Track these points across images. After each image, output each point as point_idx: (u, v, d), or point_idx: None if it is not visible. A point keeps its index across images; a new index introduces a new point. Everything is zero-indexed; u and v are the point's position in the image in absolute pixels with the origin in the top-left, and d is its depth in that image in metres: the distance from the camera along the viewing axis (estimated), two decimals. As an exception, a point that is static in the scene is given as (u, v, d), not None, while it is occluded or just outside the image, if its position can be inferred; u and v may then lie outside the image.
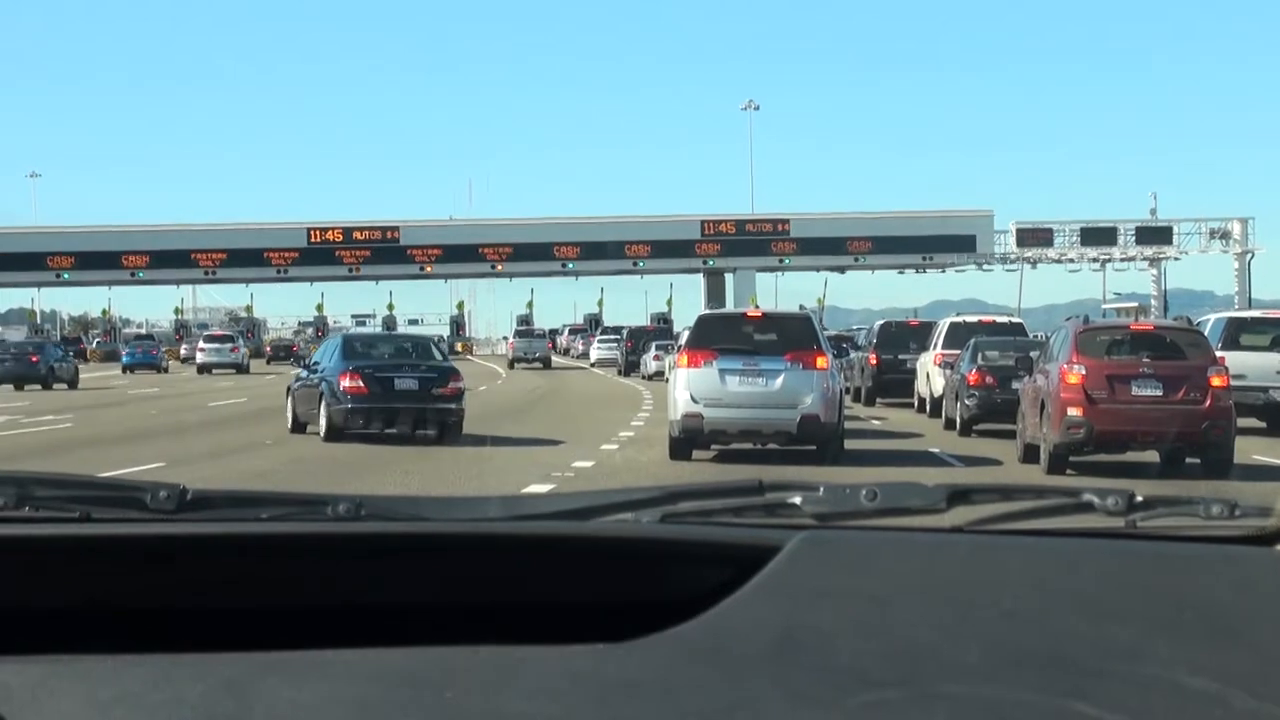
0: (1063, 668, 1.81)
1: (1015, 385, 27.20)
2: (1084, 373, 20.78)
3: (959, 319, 37.19)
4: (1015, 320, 37.76)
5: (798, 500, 2.29)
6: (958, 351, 32.32)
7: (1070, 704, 1.73)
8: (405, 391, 25.67)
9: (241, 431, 28.93)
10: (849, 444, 22.61)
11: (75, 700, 1.79)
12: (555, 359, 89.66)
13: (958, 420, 29.22)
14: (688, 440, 21.62)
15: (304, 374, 27.87)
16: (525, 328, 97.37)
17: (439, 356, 28.99)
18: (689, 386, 21.39)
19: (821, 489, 2.30)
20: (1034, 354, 25.90)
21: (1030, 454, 22.37)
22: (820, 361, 21.55)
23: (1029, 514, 2.32)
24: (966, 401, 28.59)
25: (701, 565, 2.12)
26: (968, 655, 1.84)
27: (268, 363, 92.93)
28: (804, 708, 1.73)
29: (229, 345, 79.88)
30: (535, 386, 55.77)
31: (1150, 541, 2.28)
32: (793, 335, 22.11)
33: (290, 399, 28.12)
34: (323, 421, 25.55)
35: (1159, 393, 20.60)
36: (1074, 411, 20.56)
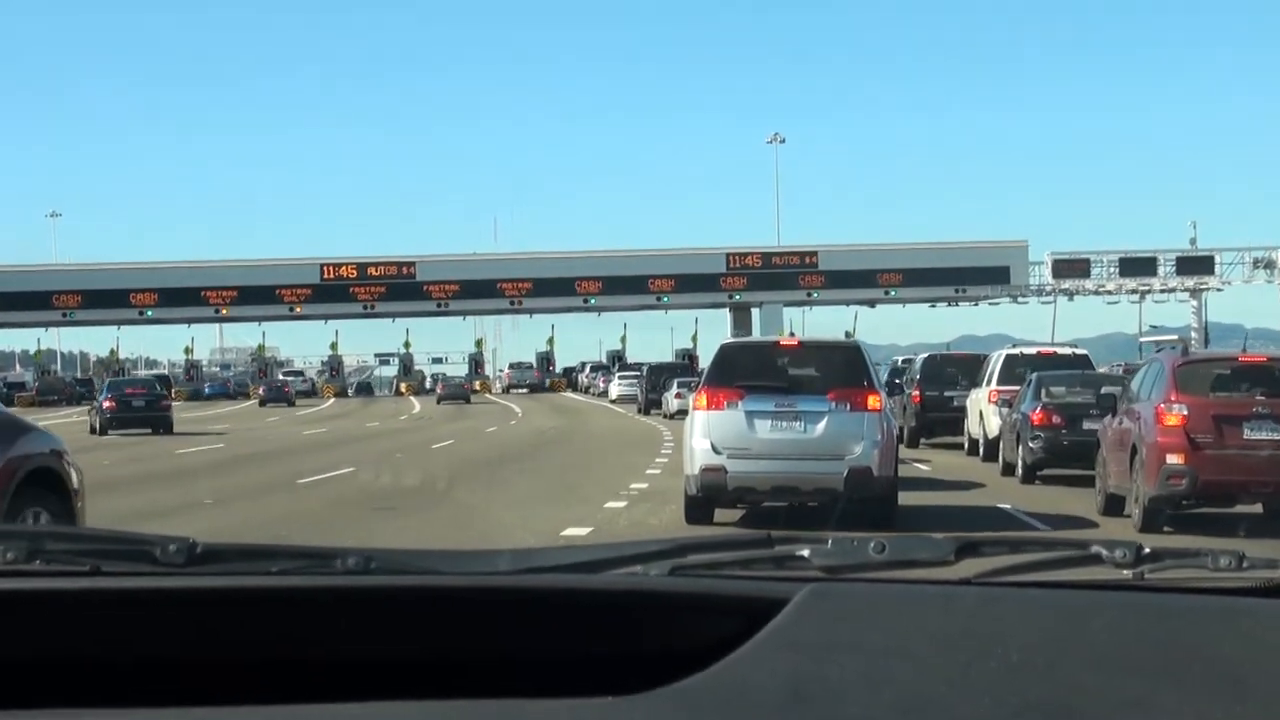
0: None
1: (1087, 425, 24.05)
2: (1185, 413, 17.34)
3: (1015, 350, 33.48)
4: (1080, 352, 33.80)
5: (806, 553, 2.30)
6: (1015, 388, 29.02)
7: None
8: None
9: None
10: (900, 497, 18.75)
11: None
12: (577, 397, 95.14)
13: (1019, 465, 25.73)
14: (708, 499, 17.74)
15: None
16: (518, 361, 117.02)
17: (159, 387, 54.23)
18: (709, 433, 17.48)
19: (830, 541, 2.32)
20: (1108, 390, 22.46)
21: (1113, 505, 19.21)
22: (872, 401, 17.53)
23: (1037, 566, 2.34)
24: (1030, 444, 25.04)
25: (710, 618, 2.11)
26: (976, 708, 1.83)
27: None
28: None
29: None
30: (550, 427, 52.76)
31: (1158, 594, 2.28)
32: (837, 369, 18.06)
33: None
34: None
35: (1277, 436, 17.13)
36: (1174, 459, 17.16)
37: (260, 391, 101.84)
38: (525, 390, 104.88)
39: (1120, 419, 19.23)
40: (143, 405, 51.66)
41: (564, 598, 2.20)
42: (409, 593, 2.22)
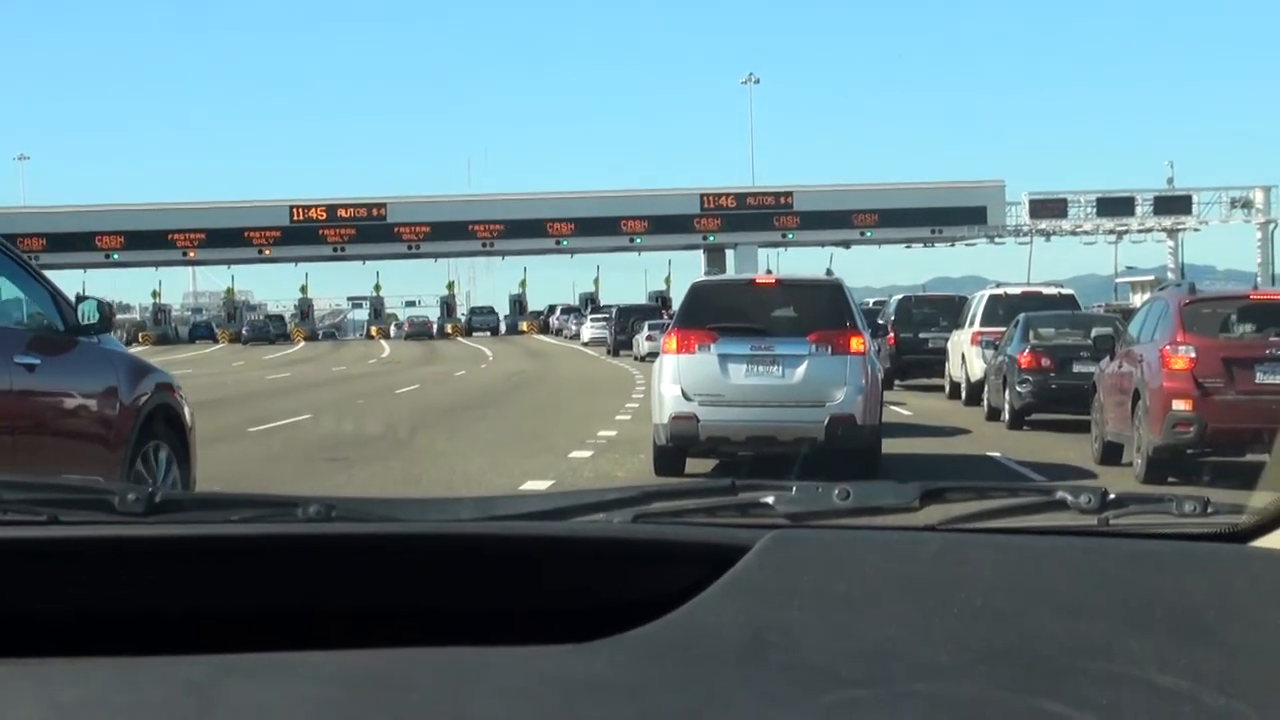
0: (1034, 666, 1.80)
1: (1077, 368, 23.00)
2: (1193, 355, 16.15)
3: (999, 291, 32.28)
4: (1066, 292, 32.60)
5: (770, 499, 2.31)
6: (998, 329, 27.95)
7: (1041, 702, 1.72)
8: None
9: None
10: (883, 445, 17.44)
11: (36, 703, 1.74)
12: (548, 339, 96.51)
13: (1005, 410, 24.60)
14: (678, 449, 16.41)
15: None
16: (479, 305, 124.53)
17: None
18: (679, 379, 16.11)
19: (794, 488, 2.32)
20: (1101, 331, 21.35)
21: (1111, 454, 18.12)
22: (855, 344, 16.11)
23: (1002, 512, 2.35)
24: (1018, 388, 23.88)
25: (673, 565, 2.11)
26: (939, 654, 1.83)
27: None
28: (773, 708, 1.72)
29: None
30: (518, 371, 51.72)
31: (1123, 539, 2.30)
32: (818, 309, 16.60)
33: None
34: None
35: (1292, 380, 15.98)
36: (1181, 405, 15.99)
37: (244, 331, 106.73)
38: (487, 333, 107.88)
39: (1119, 362, 18.07)
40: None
41: (526, 545, 2.20)
42: (370, 541, 2.21)
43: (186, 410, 10.69)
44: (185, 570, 2.16)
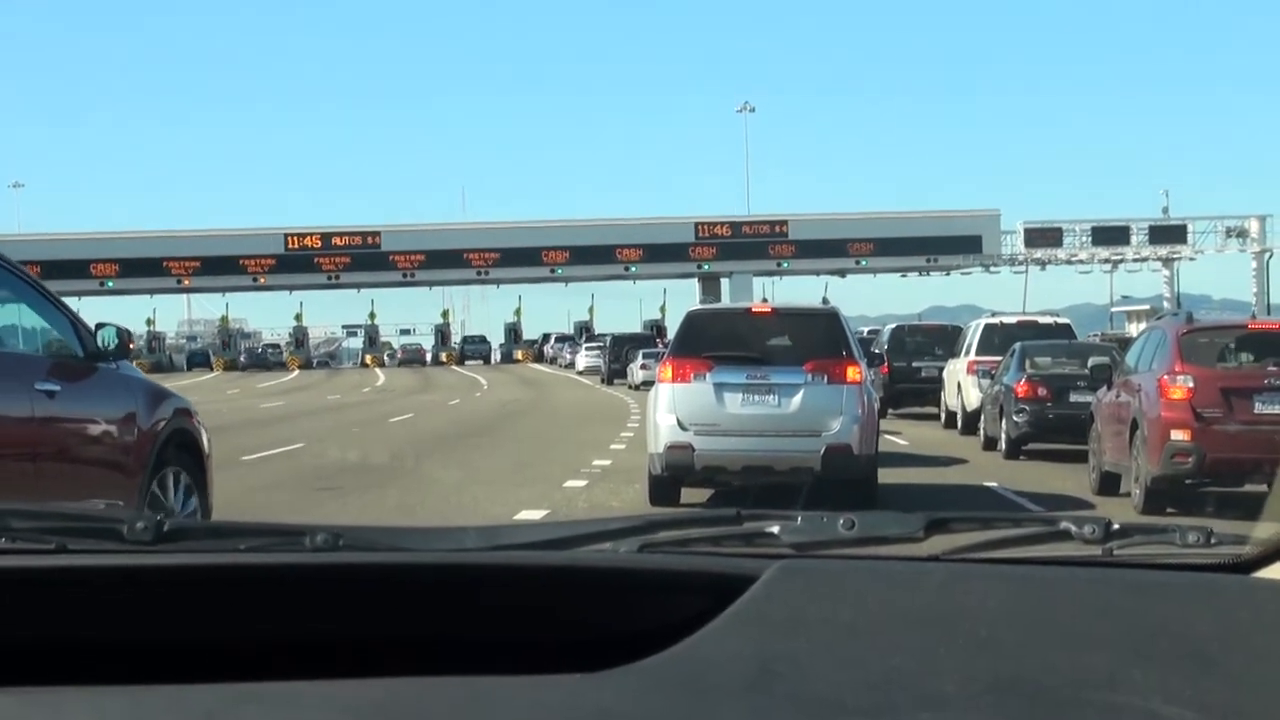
0: (1039, 696, 1.80)
1: (1074, 398, 22.93)
2: (1192, 385, 16.07)
3: (994, 320, 32.22)
4: (1062, 321, 32.57)
5: (775, 529, 2.30)
6: (994, 358, 27.89)
7: None
8: None
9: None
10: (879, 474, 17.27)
11: None
12: (543, 368, 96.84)
13: (1002, 439, 24.49)
14: (674, 479, 16.27)
15: None
16: (472, 335, 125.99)
17: None
18: (675, 408, 16.00)
19: (799, 518, 2.32)
20: (1097, 360, 21.26)
21: (1109, 484, 18.04)
22: (852, 373, 16.00)
23: (1006, 542, 2.34)
24: (1015, 418, 23.77)
25: (679, 595, 2.11)
26: (945, 684, 1.83)
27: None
28: None
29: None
30: (513, 400, 51.56)
31: (1127, 570, 2.29)
32: (814, 338, 16.50)
33: None
34: None
35: (1292, 410, 15.88)
36: (1180, 435, 15.91)
37: (242, 358, 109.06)
38: (480, 361, 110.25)
39: (1117, 392, 17.98)
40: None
41: (532, 575, 2.19)
42: (377, 570, 2.21)
43: (204, 436, 10.77)
44: (194, 599, 2.17)
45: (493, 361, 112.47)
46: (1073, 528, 2.32)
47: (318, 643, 2.12)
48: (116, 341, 9.98)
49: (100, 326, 10.10)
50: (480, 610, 2.17)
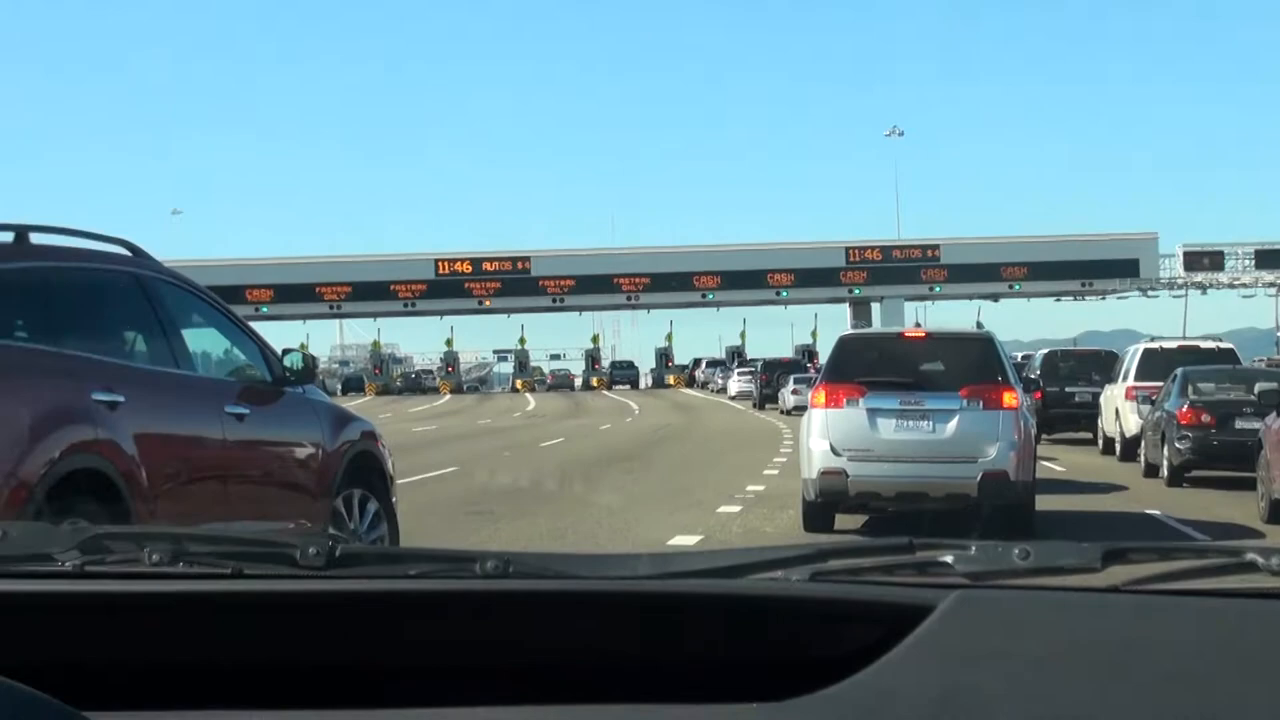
0: None
1: (1240, 424, 22.35)
2: None
3: (1154, 345, 31.61)
4: (1225, 346, 31.83)
5: (949, 559, 2.25)
6: (1154, 383, 27.32)
7: None
8: None
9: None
10: (1036, 501, 16.90)
11: None
12: (693, 392, 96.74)
13: (1164, 466, 23.93)
14: (827, 504, 16.13)
15: None
16: (620, 360, 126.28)
17: None
18: (828, 433, 15.84)
19: (973, 547, 2.27)
20: (1266, 386, 20.74)
21: (1277, 512, 17.39)
22: (1008, 398, 15.76)
23: (1189, 574, 2.25)
24: (1178, 445, 23.24)
25: (852, 624, 2.10)
26: (1132, 719, 1.79)
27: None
28: None
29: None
30: (665, 424, 51.45)
31: None
32: (968, 363, 16.29)
33: None
34: None
35: None
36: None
37: (399, 383, 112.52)
38: (628, 386, 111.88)
39: (1285, 418, 17.49)
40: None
41: (705, 603, 2.17)
42: (548, 597, 2.19)
43: (388, 459, 11.00)
44: (364, 624, 2.19)
45: (642, 386, 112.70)
46: (1259, 559, 2.22)
47: (489, 670, 2.12)
48: (303, 366, 10.23)
49: (287, 352, 10.35)
50: (652, 638, 2.15)
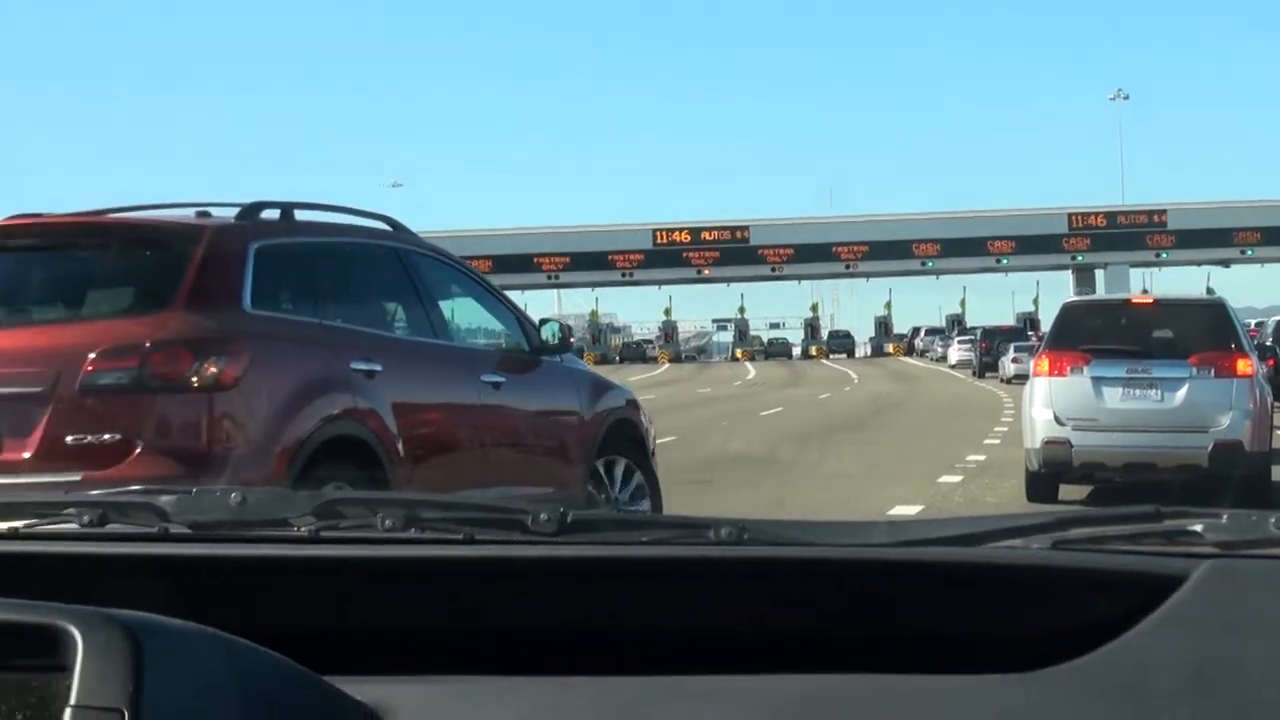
0: None
1: None
2: None
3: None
4: None
5: (1199, 528, 2.14)
6: None
7: None
8: None
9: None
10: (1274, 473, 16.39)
11: None
12: (913, 361, 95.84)
13: None
14: (1051, 475, 15.82)
15: None
16: (836, 330, 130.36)
17: None
18: (1051, 402, 15.51)
19: (1225, 516, 2.15)
20: None
21: None
22: (1242, 366, 15.31)
23: None
24: None
25: (1098, 595, 2.04)
26: None
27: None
28: None
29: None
30: (884, 393, 51.18)
31: None
32: (1198, 330, 15.86)
33: None
34: None
35: None
36: None
37: (619, 353, 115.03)
38: (844, 355, 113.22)
39: None
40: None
41: (943, 571, 2.12)
42: (783, 564, 2.16)
43: (648, 427, 11.18)
44: (595, 591, 2.19)
45: (860, 355, 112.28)
46: None
47: (723, 637, 2.11)
48: (560, 336, 10.48)
49: (544, 322, 10.66)
50: (889, 607, 2.12)
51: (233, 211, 8.83)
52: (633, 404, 11.05)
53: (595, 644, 2.10)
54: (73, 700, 1.53)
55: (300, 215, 9.21)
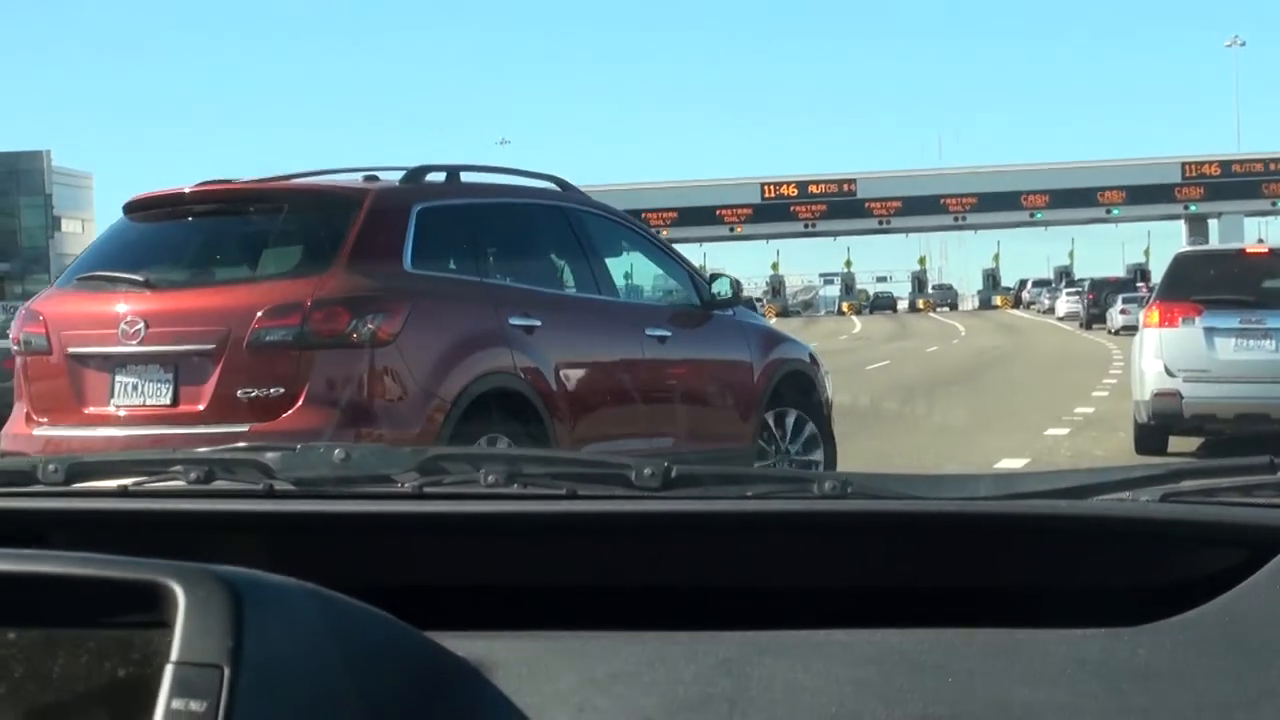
0: None
1: None
2: None
3: None
4: None
5: None
6: None
7: None
8: None
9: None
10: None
11: (571, 677, 1.79)
12: (1020, 313, 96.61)
13: None
14: (1161, 427, 15.65)
15: None
16: (940, 283, 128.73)
17: None
18: (1161, 354, 15.31)
19: None
20: None
21: None
22: None
23: None
24: None
25: (1209, 548, 2.02)
26: None
27: None
28: None
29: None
30: (991, 346, 50.86)
31: None
32: None
33: None
34: None
35: None
36: None
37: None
38: (947, 308, 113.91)
39: None
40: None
41: (1052, 524, 2.08)
42: (889, 518, 2.14)
43: (825, 380, 11.37)
44: (699, 545, 2.18)
45: (966, 308, 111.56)
46: None
47: (828, 591, 2.09)
48: (730, 290, 10.70)
49: (715, 277, 10.96)
50: (994, 560, 2.10)
51: (399, 176, 9.16)
52: (809, 358, 11.24)
53: (697, 598, 2.09)
54: (174, 656, 1.54)
55: (468, 177, 9.51)
